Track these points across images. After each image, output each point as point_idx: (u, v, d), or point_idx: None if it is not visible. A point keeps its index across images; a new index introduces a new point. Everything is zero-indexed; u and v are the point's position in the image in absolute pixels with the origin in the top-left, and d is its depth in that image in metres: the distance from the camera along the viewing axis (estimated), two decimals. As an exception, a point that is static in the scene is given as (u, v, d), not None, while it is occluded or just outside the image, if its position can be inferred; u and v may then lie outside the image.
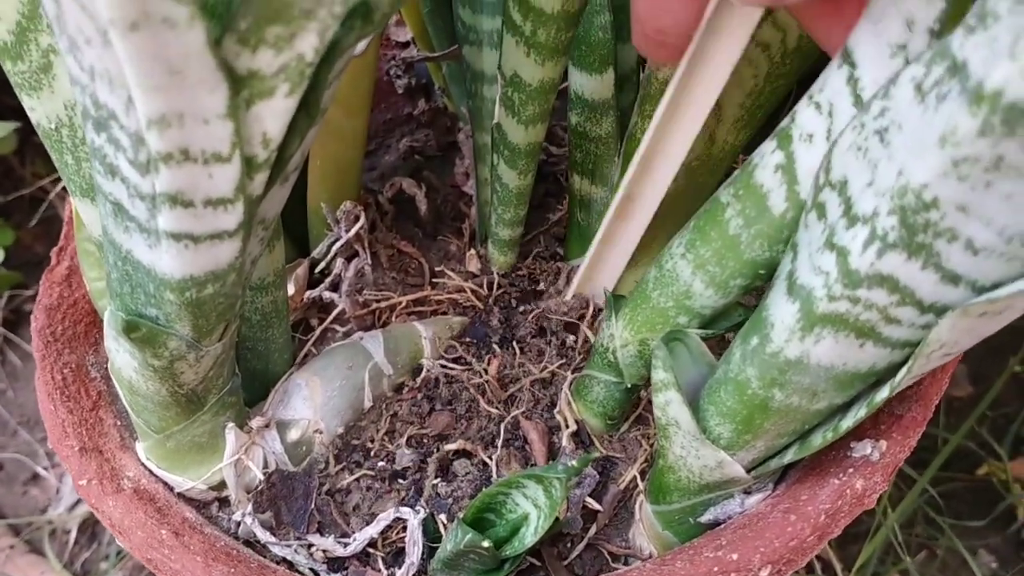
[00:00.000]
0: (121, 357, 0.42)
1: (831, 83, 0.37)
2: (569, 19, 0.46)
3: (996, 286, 0.33)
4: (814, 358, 0.37)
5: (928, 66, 0.31)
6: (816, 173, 0.37)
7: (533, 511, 0.43)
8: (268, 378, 0.52)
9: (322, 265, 0.58)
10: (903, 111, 0.32)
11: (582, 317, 0.55)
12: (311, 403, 0.50)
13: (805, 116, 0.38)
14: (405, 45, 0.70)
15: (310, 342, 0.55)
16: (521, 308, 0.58)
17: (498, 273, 0.59)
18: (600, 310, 0.57)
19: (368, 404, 0.51)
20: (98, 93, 0.31)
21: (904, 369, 0.36)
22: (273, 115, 0.32)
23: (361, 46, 0.53)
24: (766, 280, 0.42)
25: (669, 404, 0.41)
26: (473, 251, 0.61)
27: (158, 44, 0.28)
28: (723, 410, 0.41)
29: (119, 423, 0.50)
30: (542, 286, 0.59)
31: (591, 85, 0.53)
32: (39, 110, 0.43)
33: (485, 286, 0.58)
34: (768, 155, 0.39)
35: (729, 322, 0.44)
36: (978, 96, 0.28)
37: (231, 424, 0.47)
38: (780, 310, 0.37)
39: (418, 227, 0.65)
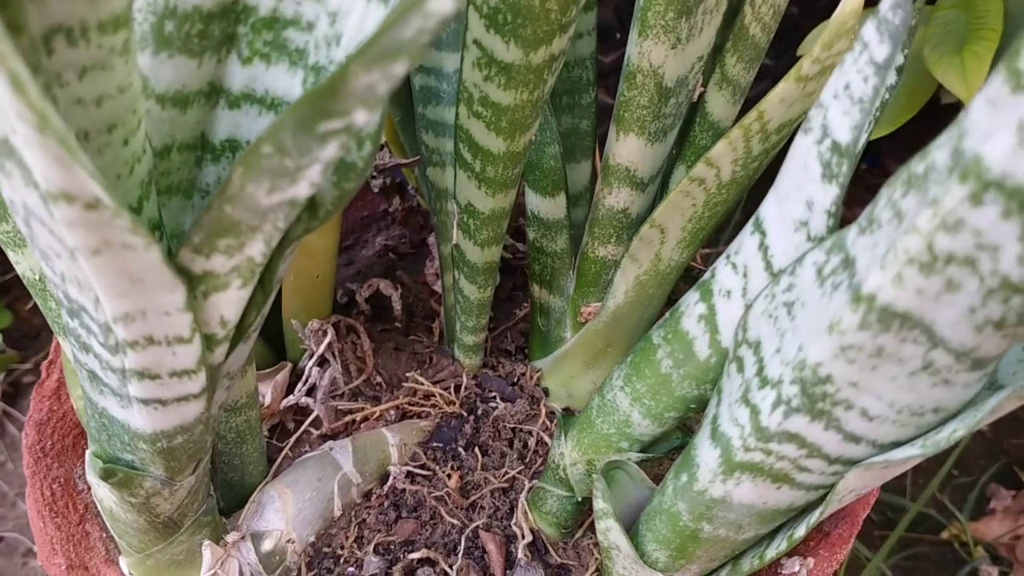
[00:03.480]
0: (102, 491, 0.45)
1: (745, 247, 0.40)
2: (515, 158, 0.49)
3: (895, 444, 0.36)
4: (736, 497, 0.40)
5: (828, 254, 0.35)
6: (735, 329, 0.40)
7: (486, 629, 0.46)
8: (244, 488, 0.55)
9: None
10: (806, 290, 0.36)
11: (533, 419, 0.59)
12: (283, 515, 0.53)
13: (724, 274, 0.41)
14: (380, 148, 0.74)
15: (286, 447, 0.59)
16: (483, 410, 0.61)
17: (466, 375, 0.63)
18: (552, 413, 0.60)
19: (338, 512, 0.55)
20: (69, 291, 0.34)
21: (817, 512, 0.39)
22: (228, 303, 0.35)
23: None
24: (698, 412, 0.45)
25: (609, 531, 0.44)
26: (442, 355, 0.64)
27: (119, 263, 0.31)
28: (659, 537, 0.44)
29: (104, 535, 0.53)
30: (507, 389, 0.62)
31: (545, 206, 0.57)
32: (23, 263, 0.46)
33: (452, 390, 0.62)
34: (692, 305, 0.43)
35: (669, 445, 0.47)
36: (857, 296, 0.31)
37: (207, 541, 0.50)
38: (705, 453, 0.40)
39: (392, 323, 0.68)
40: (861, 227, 0.33)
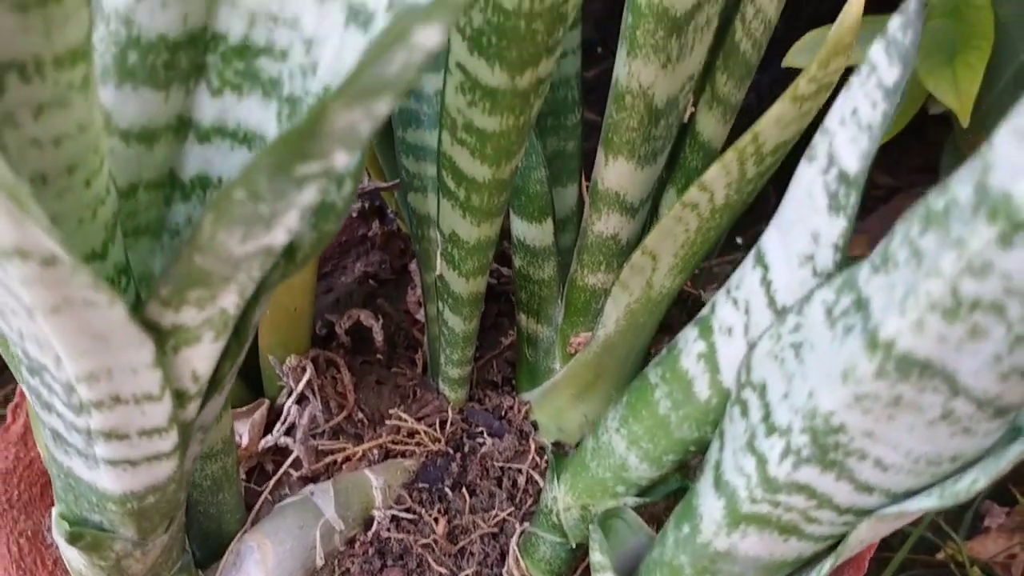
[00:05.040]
0: (70, 552, 0.43)
1: (747, 282, 0.38)
2: (501, 186, 0.47)
3: (909, 492, 0.34)
4: (742, 550, 0.38)
5: (838, 294, 0.33)
6: (738, 369, 0.38)
7: None
8: (222, 537, 0.52)
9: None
10: (815, 331, 0.33)
11: (522, 455, 0.57)
12: (263, 567, 0.50)
13: (724, 311, 0.39)
14: (356, 172, 0.71)
15: (265, 491, 0.56)
16: (470, 447, 0.59)
17: (451, 410, 0.60)
18: (542, 448, 0.58)
19: (320, 562, 0.52)
20: (28, 350, 0.32)
21: (828, 564, 0.37)
22: (201, 357, 0.33)
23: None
24: (698, 454, 0.43)
25: (608, 583, 0.42)
26: (426, 389, 0.62)
27: (81, 321, 0.28)
28: (660, 590, 0.42)
29: (74, 591, 0.50)
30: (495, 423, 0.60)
31: (531, 233, 0.54)
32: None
33: (438, 426, 0.59)
34: (691, 342, 0.41)
35: (667, 488, 0.45)
36: (874, 342, 0.29)
37: (182, 599, 0.47)
38: (708, 503, 0.38)
39: (374, 354, 0.65)
40: (874, 265, 0.31)
